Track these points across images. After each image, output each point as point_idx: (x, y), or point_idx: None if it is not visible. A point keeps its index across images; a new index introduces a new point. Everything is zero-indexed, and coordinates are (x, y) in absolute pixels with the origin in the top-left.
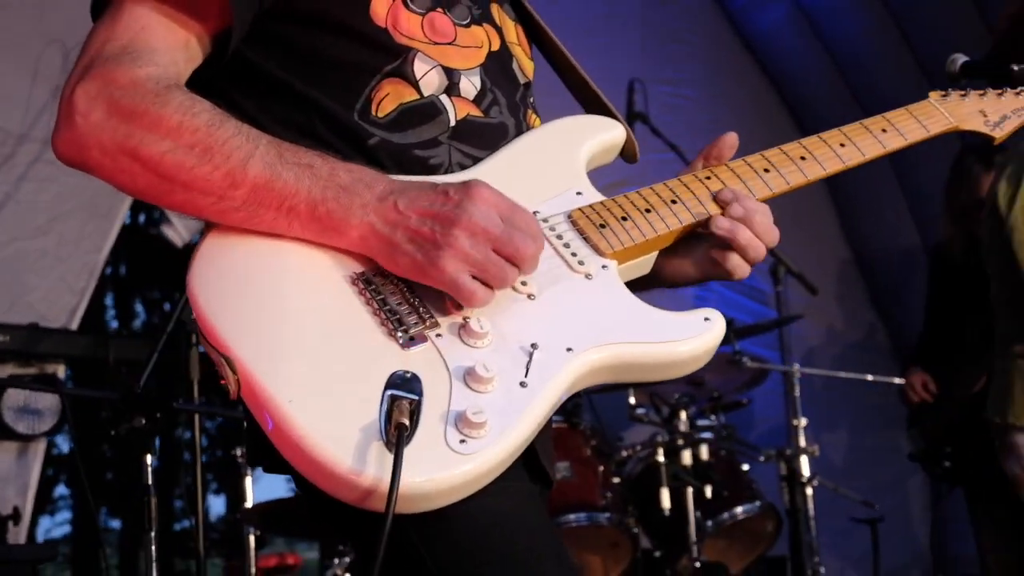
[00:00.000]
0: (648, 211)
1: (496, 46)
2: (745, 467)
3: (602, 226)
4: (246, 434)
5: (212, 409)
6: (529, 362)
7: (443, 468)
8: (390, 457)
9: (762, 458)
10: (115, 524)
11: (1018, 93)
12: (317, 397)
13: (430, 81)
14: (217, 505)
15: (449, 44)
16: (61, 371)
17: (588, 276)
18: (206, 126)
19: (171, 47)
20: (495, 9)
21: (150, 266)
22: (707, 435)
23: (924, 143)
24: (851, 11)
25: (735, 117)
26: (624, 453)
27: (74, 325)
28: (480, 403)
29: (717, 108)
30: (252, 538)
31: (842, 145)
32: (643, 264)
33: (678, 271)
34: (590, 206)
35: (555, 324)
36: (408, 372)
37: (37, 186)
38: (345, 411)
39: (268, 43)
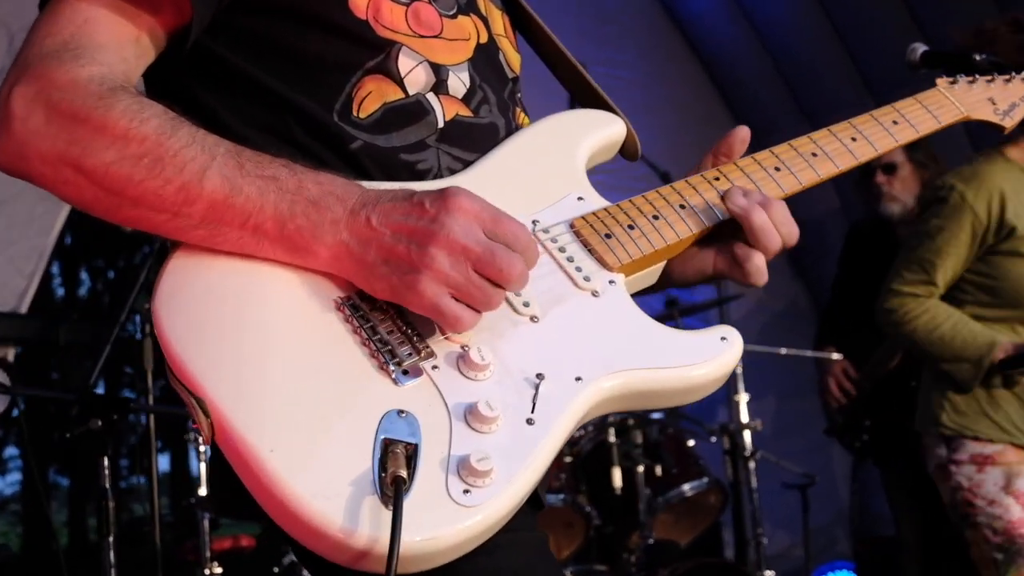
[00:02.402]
0: (656, 217)
1: (484, 38)
2: (691, 443)
3: (607, 236)
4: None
5: (168, 409)
6: (535, 395)
7: (446, 524)
8: (386, 513)
9: (713, 439)
10: (64, 481)
11: None
12: (301, 445)
13: (416, 78)
14: (163, 463)
15: (435, 37)
16: (11, 354)
17: (595, 293)
18: (156, 133)
19: (119, 42)
20: None
21: (95, 236)
22: (657, 415)
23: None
24: None
25: (669, 97)
26: (576, 433)
27: (24, 308)
28: (484, 447)
29: (651, 88)
30: (206, 523)
31: (853, 139)
32: (650, 275)
33: (688, 271)
34: (593, 213)
35: (561, 350)
36: (403, 412)
37: None
38: (334, 460)
39: (236, 36)
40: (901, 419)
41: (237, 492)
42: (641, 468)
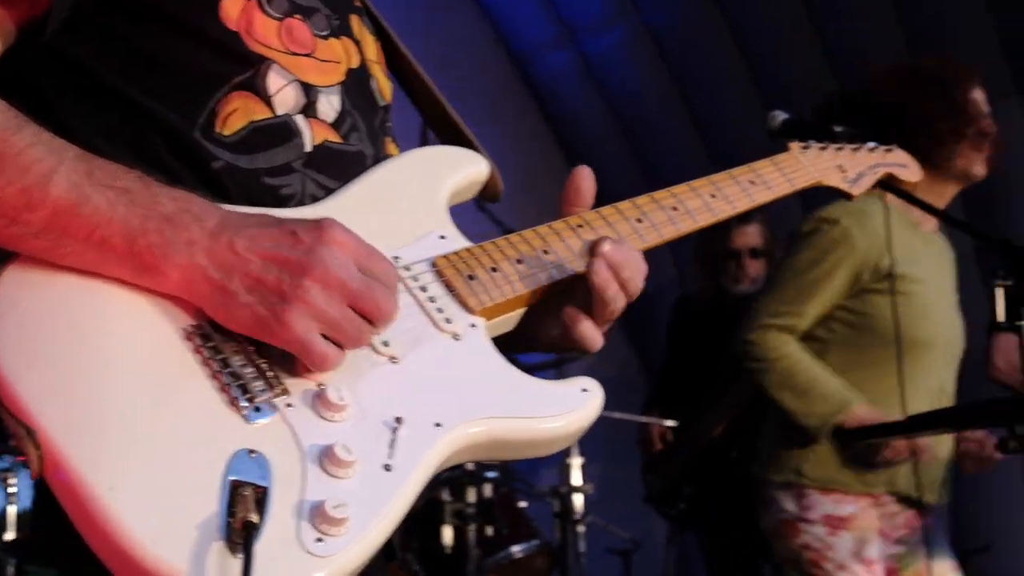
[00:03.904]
0: (519, 261)
1: (355, 63)
2: (523, 504)
3: (471, 277)
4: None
5: None
6: (393, 440)
7: (297, 575)
8: (234, 561)
9: (551, 500)
10: None
11: (872, 149)
12: (143, 484)
13: (285, 98)
14: None
15: (307, 56)
16: None
17: (456, 336)
18: None
19: None
20: (354, 21)
21: None
22: (492, 474)
23: None
24: (630, 62)
25: (514, 154)
26: None
27: None
28: (340, 493)
29: (497, 145)
30: (11, 569)
31: (712, 196)
32: (510, 320)
33: (543, 332)
34: (455, 253)
35: (421, 394)
36: (254, 452)
37: None
38: (178, 502)
39: (96, 38)
40: (722, 487)
41: (53, 537)
42: (472, 527)
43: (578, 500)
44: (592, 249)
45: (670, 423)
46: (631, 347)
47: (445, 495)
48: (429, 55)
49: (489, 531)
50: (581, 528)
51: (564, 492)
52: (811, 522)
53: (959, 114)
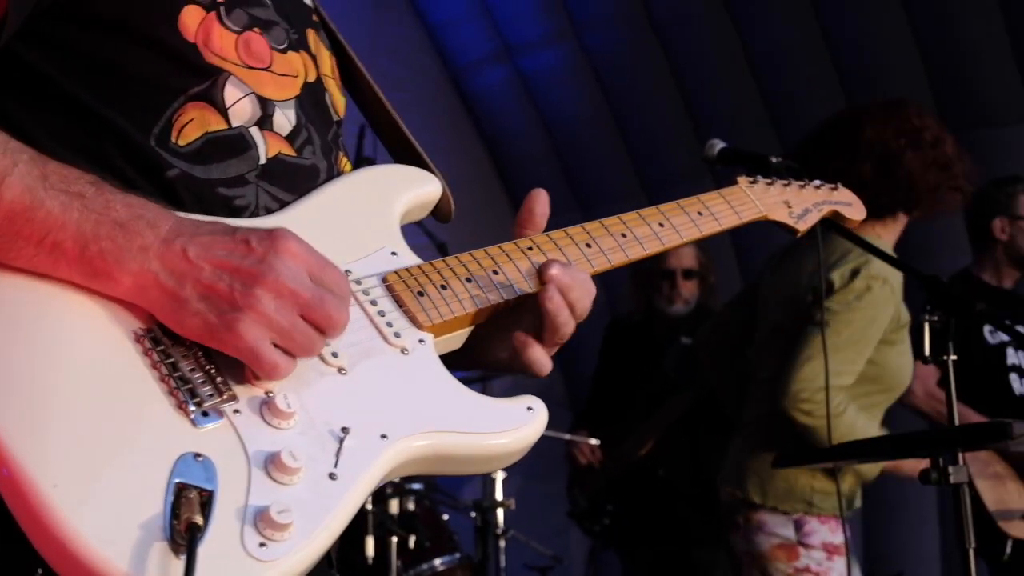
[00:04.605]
0: (469, 280)
1: (312, 77)
2: (445, 517)
3: (420, 294)
4: None
5: None
6: (339, 449)
7: None
8: (176, 562)
9: (473, 514)
10: None
11: (818, 187)
12: (88, 483)
13: (241, 110)
14: None
15: (264, 70)
16: None
17: (404, 351)
18: None
19: None
20: (311, 35)
21: None
22: (416, 486)
23: None
24: (566, 82)
25: (447, 169)
26: None
27: None
28: (285, 499)
29: (432, 159)
30: None
31: (661, 225)
32: (458, 338)
33: (493, 355)
34: (406, 270)
35: (368, 405)
36: (200, 455)
37: None
38: (122, 502)
39: (53, 45)
40: (649, 506)
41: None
42: (395, 539)
43: (500, 514)
44: (541, 273)
45: (594, 441)
46: (556, 365)
47: (368, 505)
48: (372, 71)
49: (411, 543)
50: (502, 543)
51: (486, 506)
52: (811, 547)
53: (947, 164)
